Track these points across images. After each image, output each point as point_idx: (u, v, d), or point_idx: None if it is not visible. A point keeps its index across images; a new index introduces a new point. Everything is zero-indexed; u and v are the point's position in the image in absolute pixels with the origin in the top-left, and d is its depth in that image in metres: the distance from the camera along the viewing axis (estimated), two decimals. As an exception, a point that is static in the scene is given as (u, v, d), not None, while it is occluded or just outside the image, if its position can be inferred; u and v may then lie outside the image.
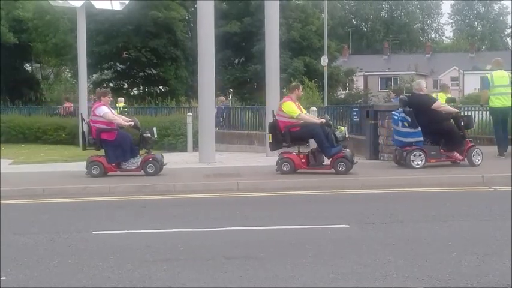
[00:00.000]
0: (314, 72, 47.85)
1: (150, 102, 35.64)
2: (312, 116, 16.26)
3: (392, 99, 24.82)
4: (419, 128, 14.87)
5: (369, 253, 7.60)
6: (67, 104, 33.82)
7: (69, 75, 54.34)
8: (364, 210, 10.57)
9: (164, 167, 15.19)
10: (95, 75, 48.28)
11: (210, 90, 18.54)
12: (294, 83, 16.56)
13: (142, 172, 14.90)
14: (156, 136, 15.72)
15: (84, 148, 15.68)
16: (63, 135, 27.91)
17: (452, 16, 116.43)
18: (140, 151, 15.19)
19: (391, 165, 15.54)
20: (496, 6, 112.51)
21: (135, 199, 12.55)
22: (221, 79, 43.38)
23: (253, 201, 12.14)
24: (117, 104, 33.29)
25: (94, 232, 9.33)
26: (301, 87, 15.81)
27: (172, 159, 19.62)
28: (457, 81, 75.48)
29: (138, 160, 14.99)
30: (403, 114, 14.99)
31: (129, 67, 48.20)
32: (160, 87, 48.97)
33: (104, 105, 15.14)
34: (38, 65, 56.00)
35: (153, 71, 47.99)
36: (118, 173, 15.09)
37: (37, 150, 24.05)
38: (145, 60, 45.48)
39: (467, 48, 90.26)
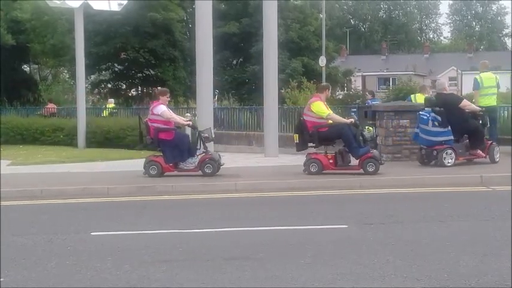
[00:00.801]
0: (312, 73, 47.81)
1: (148, 103, 35.59)
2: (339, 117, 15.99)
3: (368, 101, 25.16)
4: (449, 127, 15.22)
5: (368, 253, 7.60)
6: (50, 106, 34.18)
7: (67, 76, 54.27)
8: (363, 211, 10.57)
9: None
10: (93, 76, 48.24)
11: (208, 91, 18.53)
12: (324, 84, 16.81)
13: (199, 172, 14.73)
14: (213, 136, 15.69)
15: (141, 148, 15.61)
16: (61, 136, 27.87)
17: (451, 16, 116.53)
18: (197, 151, 15.06)
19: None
20: (494, 6, 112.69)
21: (134, 200, 12.54)
22: (219, 80, 43.37)
23: (251, 202, 12.13)
24: (107, 105, 33.48)
25: (92, 233, 9.32)
26: (330, 88, 15.84)
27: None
28: (455, 82, 75.46)
29: (196, 160, 14.82)
30: (433, 114, 15.26)
31: (127, 68, 48.16)
32: (159, 88, 48.92)
33: (162, 103, 15.00)
34: (36, 66, 55.93)
35: (151, 71, 47.96)
36: (175, 173, 14.95)
37: (35, 151, 24.01)
38: (143, 61, 45.43)
39: (466, 49, 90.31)
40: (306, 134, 14.63)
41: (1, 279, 6.89)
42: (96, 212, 11.52)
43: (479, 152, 15.66)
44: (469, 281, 6.44)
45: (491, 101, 17.30)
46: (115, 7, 28.43)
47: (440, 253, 7.54)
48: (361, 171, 14.34)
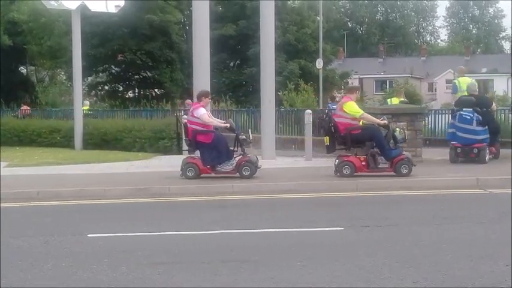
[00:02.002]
0: (309, 75, 47.77)
1: (145, 105, 35.63)
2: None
3: (328, 104, 25.66)
4: (487, 126, 16.25)
5: (364, 255, 7.61)
6: (24, 107, 34.67)
7: (64, 77, 54.18)
8: (358, 213, 10.58)
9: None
10: (90, 78, 48.18)
11: (205, 93, 18.50)
12: (353, 85, 16.94)
13: (237, 174, 14.68)
14: (251, 138, 15.69)
15: (180, 151, 15.61)
16: (58, 138, 27.83)
17: (448, 19, 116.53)
18: (235, 153, 15.01)
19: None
20: (491, 9, 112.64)
21: (130, 202, 12.53)
22: (216, 82, 43.30)
23: (248, 204, 12.13)
24: (82, 107, 33.70)
25: (89, 235, 9.31)
26: (360, 90, 16.02)
27: (167, 162, 19.63)
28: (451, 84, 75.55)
29: (233, 162, 14.78)
30: (476, 114, 16.08)
31: (125, 70, 48.11)
32: (156, 90, 48.90)
33: (203, 106, 14.99)
34: (33, 68, 55.89)
35: (149, 73, 47.90)
36: (213, 175, 14.89)
37: (32, 152, 23.97)
38: (140, 63, 45.39)
39: (463, 51, 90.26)
40: (337, 137, 14.65)
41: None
42: (93, 213, 11.52)
43: (493, 148, 16.83)
44: (465, 283, 6.46)
45: None
46: (112, 9, 28.39)
47: (436, 255, 7.55)
48: (393, 173, 14.30)
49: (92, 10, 28.19)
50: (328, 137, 14.72)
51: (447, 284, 6.46)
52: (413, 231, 9.04)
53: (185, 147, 15.54)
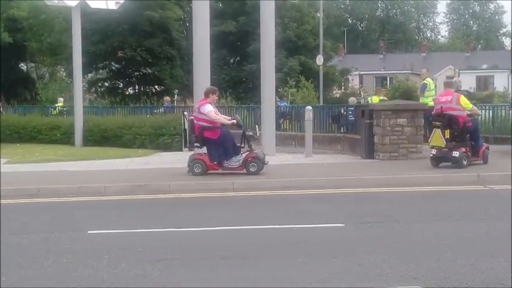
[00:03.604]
0: (309, 72, 47.75)
1: (146, 102, 35.67)
2: None
3: (278, 102, 26.28)
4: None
5: (364, 252, 7.60)
6: None
7: (64, 74, 54.17)
8: (359, 210, 10.58)
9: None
10: (90, 75, 48.14)
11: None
12: (452, 79, 18.42)
13: (244, 171, 14.66)
14: (258, 134, 15.66)
15: (186, 146, 15.62)
16: (58, 135, 27.85)
17: (448, 15, 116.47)
18: (242, 149, 14.99)
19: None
20: (491, 6, 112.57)
21: (130, 198, 12.53)
22: (216, 78, 43.26)
23: (248, 201, 12.13)
24: (56, 104, 34.06)
25: (89, 232, 9.31)
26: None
27: (167, 159, 19.64)
28: (455, 79, 75.47)
29: (240, 158, 14.75)
30: None
31: (125, 66, 48.07)
32: (156, 87, 48.90)
33: (209, 103, 14.93)
34: (33, 65, 55.89)
35: (149, 70, 47.87)
36: (219, 171, 14.87)
37: (32, 149, 23.98)
38: (140, 59, 45.36)
39: (463, 48, 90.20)
40: (456, 129, 15.10)
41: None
42: (93, 210, 11.51)
43: None
44: (466, 280, 6.45)
45: (430, 102, 19.04)
46: (112, 6, 28.38)
47: (437, 252, 7.54)
48: (481, 162, 15.37)
49: (92, 7, 28.20)
50: (447, 131, 15.04)
51: (447, 281, 6.46)
52: (414, 228, 9.04)
53: (190, 144, 15.46)
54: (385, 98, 25.23)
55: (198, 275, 6.85)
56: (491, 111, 21.76)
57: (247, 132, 15.07)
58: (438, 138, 15.06)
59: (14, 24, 45.07)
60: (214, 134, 14.72)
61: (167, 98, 35.26)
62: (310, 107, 20.09)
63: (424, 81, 20.69)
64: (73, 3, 26.69)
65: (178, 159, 19.62)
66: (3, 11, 43.64)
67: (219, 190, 13.13)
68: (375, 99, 22.47)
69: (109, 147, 24.39)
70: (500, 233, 8.52)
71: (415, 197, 11.99)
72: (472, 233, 8.66)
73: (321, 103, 38.31)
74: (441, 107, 15.25)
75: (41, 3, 33.75)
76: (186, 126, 15.46)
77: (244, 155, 14.82)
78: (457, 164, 14.80)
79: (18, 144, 26.48)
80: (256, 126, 15.84)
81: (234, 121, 15.14)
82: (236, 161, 14.76)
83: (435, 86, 21.25)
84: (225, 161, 14.79)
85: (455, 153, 14.90)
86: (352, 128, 19.96)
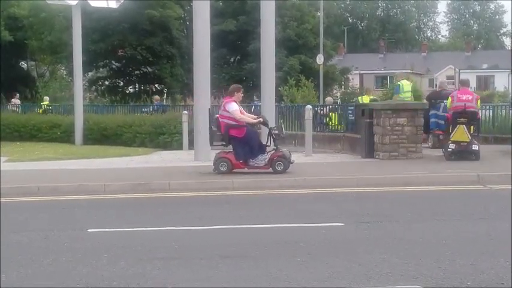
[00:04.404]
0: (309, 71, 47.75)
1: (146, 100, 35.70)
2: None
3: (254, 102, 27.41)
4: None
5: (364, 252, 7.60)
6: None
7: (65, 73, 54.19)
8: (358, 209, 10.57)
9: None
10: (90, 73, 48.15)
11: (206, 88, 18.50)
12: (465, 79, 18.95)
13: (270, 169, 14.56)
14: (284, 133, 15.63)
15: (212, 144, 15.62)
16: (58, 133, 27.86)
17: (448, 15, 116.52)
18: (267, 148, 14.93)
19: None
20: (492, 5, 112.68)
21: (130, 197, 12.52)
22: (217, 77, 43.30)
23: (248, 200, 12.12)
24: (42, 102, 34.35)
25: (89, 230, 9.31)
26: None
27: (167, 158, 19.64)
28: (453, 80, 75.48)
29: (266, 157, 14.65)
30: None
31: (125, 65, 48.06)
32: (156, 85, 48.91)
33: (234, 101, 14.85)
34: (34, 63, 55.90)
35: (149, 69, 47.86)
36: (245, 170, 14.78)
37: (32, 148, 23.99)
38: (140, 58, 45.34)
39: (463, 47, 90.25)
40: (476, 125, 16.20)
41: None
42: (93, 209, 11.50)
43: None
44: (465, 280, 6.44)
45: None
46: (113, 4, 28.42)
47: (436, 252, 7.54)
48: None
49: (93, 5, 28.23)
50: (472, 127, 16.31)
51: (447, 280, 6.45)
52: (414, 228, 9.03)
53: (214, 141, 15.45)
54: (376, 98, 25.46)
55: (198, 274, 6.85)
56: (491, 111, 21.77)
57: (273, 131, 15.00)
58: (463, 133, 16.18)
59: (14, 23, 45.08)
60: (240, 133, 14.63)
61: (157, 97, 35.47)
62: (310, 106, 20.09)
63: (399, 82, 22.37)
64: (73, 2, 26.71)
65: (178, 158, 19.65)
66: (3, 9, 43.64)
67: (219, 189, 13.12)
68: (365, 99, 22.63)
69: (109, 145, 24.40)
70: (500, 232, 8.52)
71: (415, 197, 11.98)
72: (472, 233, 8.66)
73: (321, 102, 38.30)
74: (465, 104, 16.40)
75: (42, 2, 33.81)
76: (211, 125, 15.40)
77: (270, 154, 14.72)
78: (476, 156, 16.15)
79: (18, 143, 26.49)
80: (282, 124, 15.79)
81: (261, 119, 15.11)
82: (262, 159, 14.64)
83: (411, 87, 23.07)
84: (251, 160, 14.67)
85: (475, 147, 16.28)
86: (352, 127, 19.92)
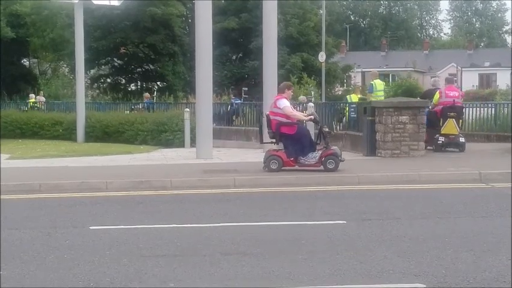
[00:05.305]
0: (311, 69, 47.81)
1: (155, 98, 35.84)
2: None
3: (232, 100, 27.85)
4: None
5: (366, 249, 7.60)
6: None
7: (67, 70, 54.26)
8: (360, 207, 10.58)
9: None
10: (92, 71, 48.25)
11: (208, 86, 18.51)
12: (451, 77, 19.22)
13: (321, 167, 14.47)
14: (335, 130, 15.58)
15: (261, 142, 15.63)
16: (60, 131, 27.91)
17: (451, 13, 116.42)
18: (318, 146, 14.85)
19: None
20: (494, 3, 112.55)
21: (132, 195, 12.53)
22: (219, 75, 43.36)
23: (250, 198, 12.13)
24: (28, 100, 34.52)
25: (91, 227, 9.32)
26: None
27: (169, 155, 19.65)
28: (455, 78, 75.47)
29: (317, 155, 14.56)
30: None
31: (127, 62, 48.15)
32: (158, 83, 48.95)
33: (285, 98, 14.82)
34: (36, 60, 55.93)
35: (151, 66, 47.95)
36: (296, 167, 14.70)
37: (34, 145, 24.03)
38: (142, 55, 45.42)
39: (466, 45, 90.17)
40: (462, 119, 17.58)
41: (0, 273, 6.90)
42: (95, 206, 11.51)
43: None
44: (467, 278, 6.45)
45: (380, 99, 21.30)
46: (115, 2, 28.44)
47: (438, 249, 7.54)
48: None
49: (95, 3, 28.26)
50: (461, 120, 17.82)
51: (449, 278, 6.46)
52: (415, 225, 9.04)
53: (266, 139, 15.44)
54: (364, 96, 25.78)
55: (199, 271, 6.85)
56: (493, 109, 21.76)
57: (324, 128, 14.97)
58: (453, 127, 17.75)
59: (16, 20, 45.11)
60: (291, 130, 14.62)
61: (146, 95, 35.70)
62: (312, 104, 20.09)
63: (371, 82, 22.97)
64: (76, 0, 26.71)
65: (180, 155, 19.67)
66: (6, 7, 43.65)
67: (221, 187, 13.13)
68: (354, 98, 23.13)
69: (111, 143, 24.44)
70: (502, 230, 8.52)
71: (416, 195, 11.97)
72: (474, 231, 8.66)
73: (323, 100, 38.31)
74: (454, 100, 17.94)
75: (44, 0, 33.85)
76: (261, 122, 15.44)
77: (320, 152, 14.62)
78: (462, 148, 17.74)
79: (20, 140, 26.53)
80: (333, 122, 15.85)
81: (312, 117, 15.09)
82: (312, 157, 14.56)
83: (384, 86, 24.09)
84: (302, 157, 14.62)
85: (462, 139, 17.91)
86: (354, 125, 19.92)
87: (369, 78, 24.95)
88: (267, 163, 14.65)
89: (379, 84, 22.84)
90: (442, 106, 17.88)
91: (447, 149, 17.93)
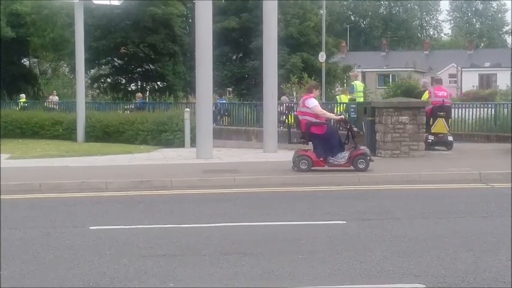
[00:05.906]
0: (312, 68, 47.74)
1: (148, 98, 35.79)
2: None
3: (217, 100, 28.17)
4: None
5: (366, 249, 7.60)
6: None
7: (67, 70, 54.26)
8: (360, 207, 10.58)
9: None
10: (92, 71, 48.22)
11: (208, 86, 18.51)
12: (438, 77, 20.55)
13: (351, 167, 14.45)
14: (364, 130, 15.61)
15: (290, 142, 15.65)
16: (60, 130, 27.89)
17: (451, 13, 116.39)
18: (346, 146, 14.83)
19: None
20: (494, 4, 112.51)
21: (132, 195, 12.53)
22: (219, 75, 43.33)
23: (250, 197, 12.13)
24: (18, 100, 34.64)
25: (90, 227, 9.32)
26: None
27: (169, 155, 19.65)
28: (455, 79, 75.49)
29: (346, 155, 14.54)
30: None
31: (127, 62, 48.11)
32: (158, 83, 48.94)
33: (314, 97, 14.83)
34: (36, 60, 55.93)
35: (151, 66, 47.91)
36: (325, 167, 14.65)
37: (34, 145, 24.01)
38: (143, 55, 45.40)
39: (466, 46, 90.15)
40: (451, 118, 17.95)
41: (0, 273, 6.90)
42: (95, 206, 11.51)
43: None
44: (467, 278, 6.45)
45: (359, 99, 22.81)
46: (115, 1, 28.44)
47: (438, 250, 7.55)
48: None
49: (95, 2, 28.25)
50: (449, 119, 18.31)
51: (449, 278, 6.46)
52: (415, 225, 9.04)
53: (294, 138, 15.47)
54: (353, 97, 26.07)
55: (199, 271, 6.85)
56: (493, 110, 21.75)
57: (353, 128, 14.99)
58: (442, 126, 18.24)
59: (17, 20, 45.11)
60: (320, 130, 14.60)
61: (139, 95, 35.67)
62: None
63: (352, 83, 24.10)
64: (76, -1, 26.72)
65: (180, 155, 19.66)
66: (6, 6, 43.66)
67: (221, 186, 13.13)
68: (343, 98, 23.44)
69: (111, 143, 24.42)
70: (502, 230, 8.52)
71: (416, 195, 11.98)
72: (474, 231, 8.66)
73: (324, 100, 38.30)
74: (443, 100, 18.40)
75: (44, -1, 33.90)
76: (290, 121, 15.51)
77: (350, 152, 14.60)
78: (450, 146, 18.25)
79: (20, 140, 26.51)
80: (363, 122, 15.99)
81: (342, 116, 15.11)
82: (342, 157, 14.53)
83: (364, 87, 25.33)
84: (331, 157, 14.59)
85: (450, 138, 18.45)
86: (354, 125, 19.91)
87: (351, 80, 26.65)
88: (296, 163, 14.59)
89: (359, 85, 24.09)
90: (432, 106, 18.24)
91: (436, 147, 18.31)
